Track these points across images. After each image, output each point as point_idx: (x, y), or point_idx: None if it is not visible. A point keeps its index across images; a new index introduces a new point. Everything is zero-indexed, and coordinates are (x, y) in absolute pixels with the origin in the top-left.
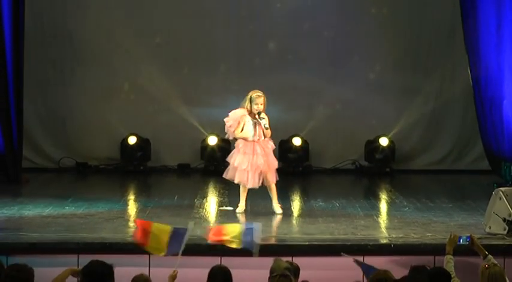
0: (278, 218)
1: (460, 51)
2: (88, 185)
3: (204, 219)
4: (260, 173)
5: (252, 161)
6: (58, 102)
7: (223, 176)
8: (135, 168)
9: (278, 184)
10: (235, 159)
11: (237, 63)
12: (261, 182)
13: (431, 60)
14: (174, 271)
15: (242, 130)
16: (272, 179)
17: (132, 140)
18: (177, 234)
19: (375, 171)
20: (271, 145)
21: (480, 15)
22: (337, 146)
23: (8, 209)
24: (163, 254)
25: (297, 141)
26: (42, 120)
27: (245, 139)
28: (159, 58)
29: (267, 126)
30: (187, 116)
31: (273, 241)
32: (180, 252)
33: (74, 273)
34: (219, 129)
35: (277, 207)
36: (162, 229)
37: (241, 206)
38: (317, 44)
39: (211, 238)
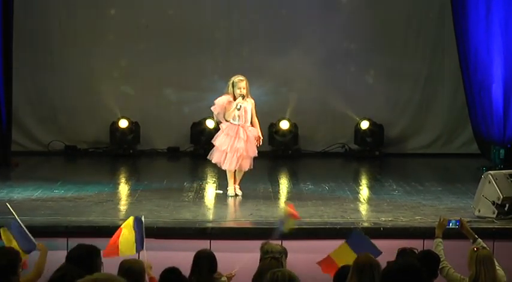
0: (267, 201)
1: (450, 35)
2: (77, 168)
3: (193, 203)
4: (239, 157)
5: (233, 143)
6: (47, 86)
7: (208, 157)
8: (125, 152)
9: (267, 167)
10: (218, 140)
11: (226, 47)
12: (238, 165)
13: (421, 44)
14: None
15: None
16: (246, 165)
17: (123, 123)
18: (138, 228)
19: (364, 154)
20: (255, 133)
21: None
22: (326, 130)
23: None
24: (134, 252)
25: (284, 125)
26: (31, 103)
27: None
28: (148, 42)
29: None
30: (177, 99)
31: (263, 225)
32: (144, 244)
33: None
34: (209, 113)
35: (238, 189)
36: (128, 224)
37: (231, 189)
38: (306, 27)
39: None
